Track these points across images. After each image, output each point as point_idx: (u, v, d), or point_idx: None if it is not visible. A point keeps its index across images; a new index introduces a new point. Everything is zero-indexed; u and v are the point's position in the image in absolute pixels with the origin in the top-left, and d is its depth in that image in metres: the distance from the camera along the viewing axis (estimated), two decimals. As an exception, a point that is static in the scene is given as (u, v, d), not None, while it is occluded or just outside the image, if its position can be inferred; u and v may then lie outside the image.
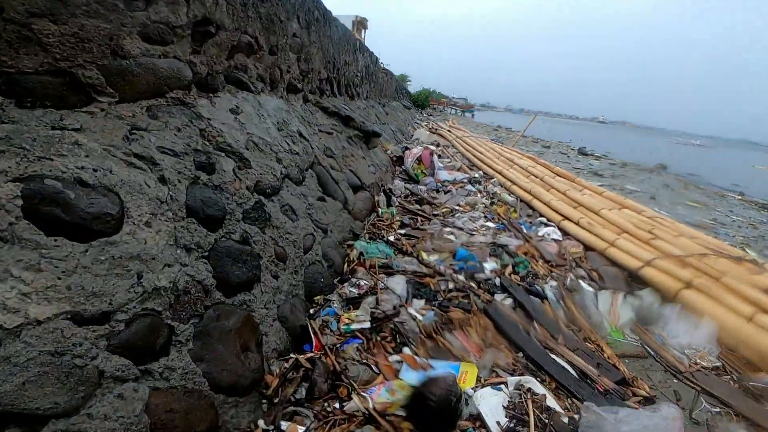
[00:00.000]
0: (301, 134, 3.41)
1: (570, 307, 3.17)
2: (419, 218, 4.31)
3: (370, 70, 8.97)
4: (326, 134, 4.09)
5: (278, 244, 2.30)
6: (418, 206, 4.70)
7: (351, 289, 2.66)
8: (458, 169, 7.34)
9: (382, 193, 4.67)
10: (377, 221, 4.02)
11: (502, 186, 6.33)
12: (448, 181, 6.20)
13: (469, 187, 5.97)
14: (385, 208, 4.34)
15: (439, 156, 8.89)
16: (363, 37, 29.50)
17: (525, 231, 4.54)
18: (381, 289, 2.72)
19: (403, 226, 4.06)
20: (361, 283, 2.76)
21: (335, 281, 2.81)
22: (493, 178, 6.92)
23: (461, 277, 3.12)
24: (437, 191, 5.62)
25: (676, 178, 14.30)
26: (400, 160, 6.62)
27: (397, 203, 4.60)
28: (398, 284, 2.86)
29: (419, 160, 6.11)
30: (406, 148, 8.21)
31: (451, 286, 3.01)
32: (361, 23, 30.59)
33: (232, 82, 2.73)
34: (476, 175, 6.90)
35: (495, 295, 3.04)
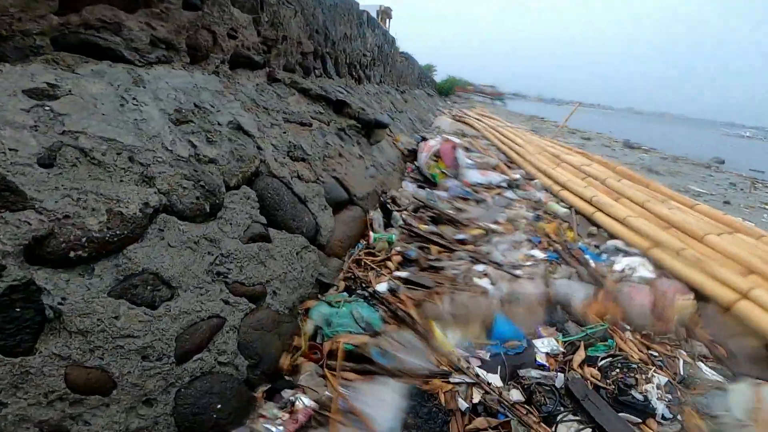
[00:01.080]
0: (239, 127, 2.08)
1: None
2: (434, 248, 2.91)
3: (384, 50, 7.55)
4: (297, 126, 2.74)
5: (81, 363, 1.00)
6: (433, 226, 3.27)
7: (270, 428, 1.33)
8: (494, 168, 5.85)
9: (378, 208, 3.29)
10: (364, 255, 2.65)
11: (548, 191, 4.82)
12: (480, 184, 4.75)
13: (509, 194, 4.49)
14: (381, 232, 2.97)
15: (467, 149, 7.42)
16: (388, 26, 27.96)
17: (592, 263, 3.07)
18: (342, 416, 1.38)
19: (406, 262, 2.66)
20: (300, 402, 1.43)
21: (259, 393, 1.49)
22: (534, 179, 5.41)
23: (496, 381, 1.73)
24: (464, 199, 4.17)
25: (738, 176, 12.20)
26: (414, 155, 5.20)
27: (401, 222, 3.19)
28: (381, 403, 1.52)
29: (437, 155, 4.67)
30: (423, 139, 6.81)
31: (477, 397, 1.64)
32: (385, 12, 29.00)
33: (78, 47, 1.44)
34: (517, 176, 5.38)
35: (558, 419, 1.63)
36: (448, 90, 31.55)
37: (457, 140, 4.72)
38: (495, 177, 4.96)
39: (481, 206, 4.00)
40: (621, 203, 3.97)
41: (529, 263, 2.98)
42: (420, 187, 4.33)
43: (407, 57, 12.21)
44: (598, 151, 12.98)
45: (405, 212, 3.39)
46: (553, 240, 3.42)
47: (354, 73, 5.40)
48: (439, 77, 33.98)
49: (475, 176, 4.84)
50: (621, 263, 3.24)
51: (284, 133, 2.52)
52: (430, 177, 4.53)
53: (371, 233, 2.90)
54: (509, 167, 6.11)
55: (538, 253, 3.18)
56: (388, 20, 29.52)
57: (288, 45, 3.08)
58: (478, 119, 11.22)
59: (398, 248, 2.82)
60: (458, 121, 11.74)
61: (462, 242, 3.06)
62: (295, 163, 2.45)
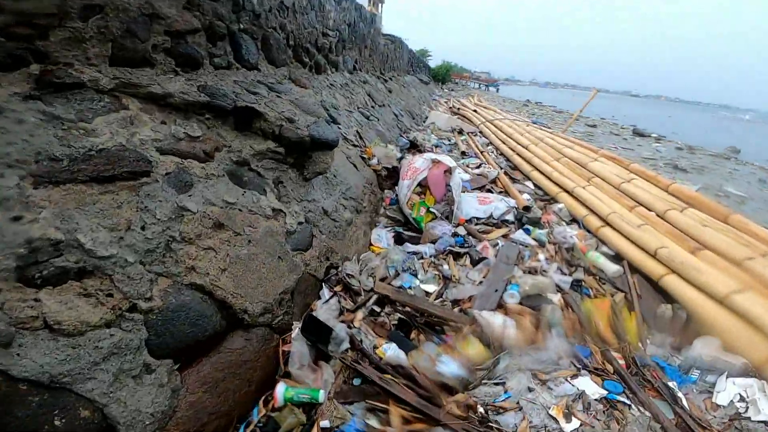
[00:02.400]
0: None
1: None
2: (397, 413, 1.42)
3: (358, 30, 5.92)
4: (95, 186, 1.24)
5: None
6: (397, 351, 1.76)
7: None
8: (494, 182, 4.34)
9: (309, 316, 1.77)
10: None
11: (582, 226, 3.31)
12: (479, 219, 3.25)
13: (520, 235, 2.98)
14: (302, 376, 1.48)
15: (464, 153, 5.90)
16: (380, 11, 25.92)
17: (681, 395, 1.63)
18: None
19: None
20: None
21: None
22: (555, 201, 3.91)
23: None
24: (457, 255, 2.67)
25: (762, 169, 10.70)
26: (395, 176, 3.69)
27: (345, 344, 1.66)
28: None
29: (423, 185, 3.14)
30: (412, 146, 5.27)
31: None
32: (375, -6, 26.88)
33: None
34: (527, 199, 3.86)
35: None
36: (444, 76, 29.72)
37: (449, 163, 3.18)
38: (498, 206, 3.44)
39: (481, 266, 2.49)
40: (702, 257, 2.49)
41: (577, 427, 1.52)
42: (397, 238, 2.82)
43: (393, 39, 10.52)
44: (609, 142, 11.45)
45: (363, 311, 1.89)
46: (609, 348, 1.95)
47: (307, 60, 3.84)
48: (434, 63, 32.12)
49: (472, 207, 3.33)
50: (726, 389, 1.83)
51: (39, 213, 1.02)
52: (414, 221, 3.00)
53: (278, 388, 1.42)
54: (514, 180, 4.60)
55: (589, 388, 1.71)
56: (380, 5, 27.42)
57: (114, 20, 1.55)
58: (475, 111, 9.61)
59: (325, 421, 1.34)
60: (456, 114, 10.13)
61: (449, 390, 1.57)
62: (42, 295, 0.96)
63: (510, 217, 3.35)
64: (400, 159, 4.03)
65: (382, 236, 2.80)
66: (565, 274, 2.55)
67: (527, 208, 3.52)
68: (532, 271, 2.51)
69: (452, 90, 24.79)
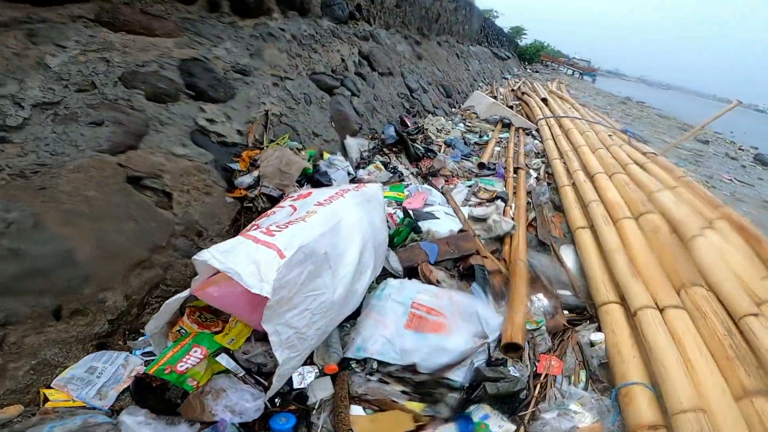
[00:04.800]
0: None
1: None
2: None
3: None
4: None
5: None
6: None
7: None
8: (504, 242, 2.16)
9: None
10: None
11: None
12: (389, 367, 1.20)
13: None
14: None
15: (482, 168, 3.57)
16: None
17: None
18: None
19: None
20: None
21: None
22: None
23: None
24: None
25: None
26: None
27: None
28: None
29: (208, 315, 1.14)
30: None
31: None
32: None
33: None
34: (541, 335, 1.66)
35: None
36: (531, 56, 25.95)
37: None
38: (454, 342, 1.33)
39: None
40: None
41: None
42: None
43: (456, -4, 7.99)
44: (719, 166, 8.09)
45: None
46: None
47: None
48: (528, 42, 28.26)
49: (379, 340, 1.27)
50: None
51: None
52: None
53: None
54: (542, 245, 2.35)
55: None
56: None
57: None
58: (544, 100, 6.94)
59: None
60: (519, 100, 7.53)
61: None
62: None
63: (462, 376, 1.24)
64: (314, 177, 2.00)
65: None
66: None
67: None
68: None
69: (536, 72, 21.07)
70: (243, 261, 1.02)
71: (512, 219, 2.65)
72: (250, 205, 1.87)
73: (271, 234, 1.12)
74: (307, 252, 1.14)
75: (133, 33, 1.82)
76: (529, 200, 3.12)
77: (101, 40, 1.70)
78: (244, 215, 1.85)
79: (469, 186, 3.14)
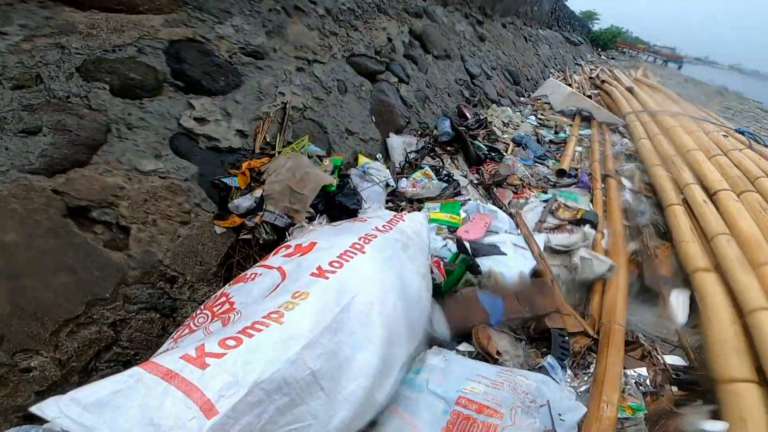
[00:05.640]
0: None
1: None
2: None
3: None
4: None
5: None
6: None
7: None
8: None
9: None
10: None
11: None
12: None
13: None
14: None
15: (562, 175, 2.76)
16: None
17: None
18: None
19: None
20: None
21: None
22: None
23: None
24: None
25: None
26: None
27: None
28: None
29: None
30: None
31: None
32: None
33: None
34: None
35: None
36: (606, 42, 23.61)
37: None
38: None
39: None
40: None
41: None
42: None
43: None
44: None
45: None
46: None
47: None
48: (601, 28, 25.76)
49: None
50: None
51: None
52: None
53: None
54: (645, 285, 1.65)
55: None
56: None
57: None
58: (629, 90, 5.82)
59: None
60: (598, 89, 6.44)
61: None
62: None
63: None
64: (336, 199, 1.47)
65: None
66: None
67: None
68: None
69: (612, 58, 18.89)
70: (129, 424, 0.49)
71: (606, 254, 1.95)
72: (249, 236, 1.37)
73: (209, 355, 0.59)
74: (272, 387, 0.60)
75: (107, 11, 1.37)
76: (625, 222, 2.36)
77: (59, 23, 1.26)
78: (239, 251, 1.36)
79: (545, 200, 2.43)
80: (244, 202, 1.37)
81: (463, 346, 1.36)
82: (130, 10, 1.43)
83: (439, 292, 1.43)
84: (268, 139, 1.63)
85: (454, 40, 3.85)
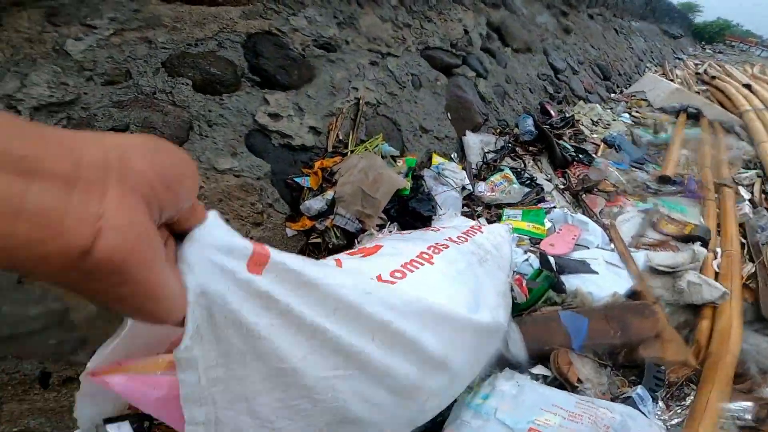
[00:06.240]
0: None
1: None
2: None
3: None
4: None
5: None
6: None
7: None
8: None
9: None
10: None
11: None
12: None
13: None
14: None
15: (666, 183, 2.31)
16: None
17: None
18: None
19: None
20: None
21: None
22: None
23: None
24: None
25: None
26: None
27: None
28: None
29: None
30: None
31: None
32: None
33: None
34: None
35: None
36: (712, 36, 21.08)
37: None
38: None
39: None
40: None
41: None
42: None
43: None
44: None
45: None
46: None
47: None
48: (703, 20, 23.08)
49: None
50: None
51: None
52: None
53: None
54: None
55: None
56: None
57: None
58: (747, 86, 4.96)
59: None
60: (706, 85, 5.61)
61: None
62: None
63: None
64: (410, 205, 1.35)
65: None
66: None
67: None
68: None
69: (719, 53, 16.64)
70: None
71: (716, 277, 1.62)
72: (318, 239, 1.30)
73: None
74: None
75: (189, 3, 1.37)
76: (742, 240, 1.95)
77: (146, 16, 1.28)
78: (308, 255, 1.29)
79: (644, 211, 2.10)
80: (316, 204, 1.29)
81: (538, 369, 1.17)
82: (211, 1, 1.43)
83: (516, 310, 1.25)
84: (340, 137, 1.55)
85: (535, 32, 3.54)
